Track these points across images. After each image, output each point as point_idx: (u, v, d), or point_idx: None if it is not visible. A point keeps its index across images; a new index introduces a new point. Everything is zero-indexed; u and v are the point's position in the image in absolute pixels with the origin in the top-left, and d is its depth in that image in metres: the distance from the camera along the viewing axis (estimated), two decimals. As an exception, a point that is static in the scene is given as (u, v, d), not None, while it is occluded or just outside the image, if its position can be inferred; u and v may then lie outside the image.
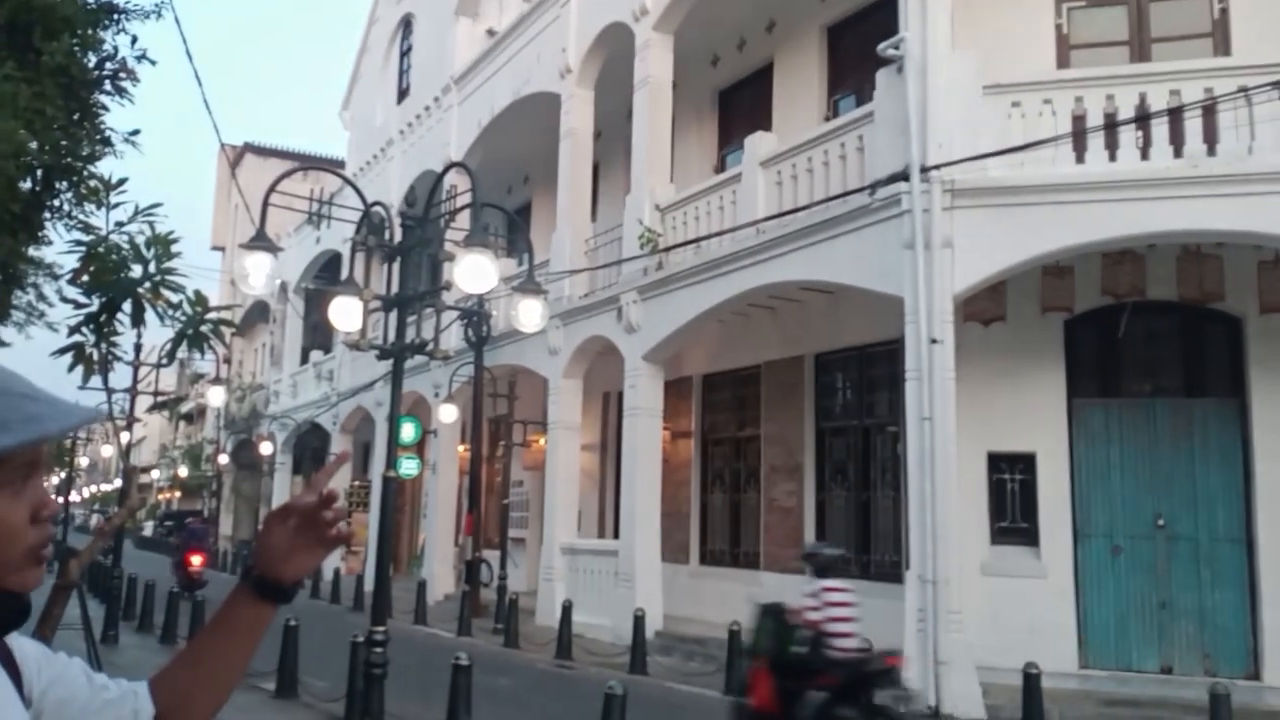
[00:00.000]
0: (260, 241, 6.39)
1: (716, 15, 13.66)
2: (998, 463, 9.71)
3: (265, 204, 6.81)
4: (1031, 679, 7.07)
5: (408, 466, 18.84)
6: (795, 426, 12.56)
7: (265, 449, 27.55)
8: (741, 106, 14.60)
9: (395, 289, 7.25)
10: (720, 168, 14.51)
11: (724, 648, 9.80)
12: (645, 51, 13.42)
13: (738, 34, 14.34)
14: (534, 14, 16.57)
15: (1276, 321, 8.98)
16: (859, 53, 11.24)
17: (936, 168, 8.89)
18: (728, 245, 11.46)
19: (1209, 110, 8.36)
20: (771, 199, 11.08)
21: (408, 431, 18.29)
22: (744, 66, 14.50)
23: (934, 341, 8.70)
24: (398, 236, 7.46)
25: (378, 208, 7.52)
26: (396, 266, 7.32)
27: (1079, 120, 8.70)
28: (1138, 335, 9.53)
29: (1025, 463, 9.64)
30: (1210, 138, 8.36)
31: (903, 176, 9.10)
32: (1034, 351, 9.73)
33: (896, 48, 9.34)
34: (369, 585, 15.16)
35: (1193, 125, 8.39)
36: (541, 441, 16.33)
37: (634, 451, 12.90)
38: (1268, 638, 8.82)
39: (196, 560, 17.72)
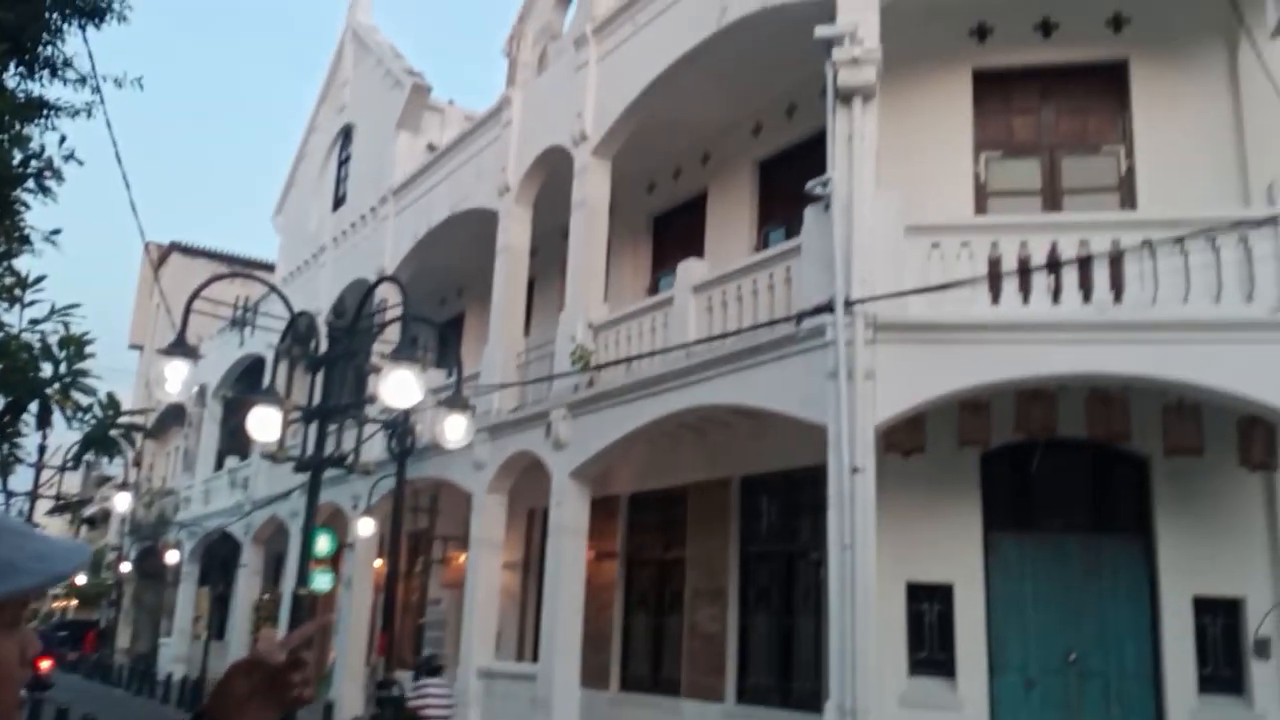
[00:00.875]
0: (180, 347, 6.28)
1: (654, 144, 14.16)
2: (916, 593, 9.78)
3: (188, 310, 6.73)
4: (950, 820, 6.96)
5: (321, 581, 18.14)
6: (720, 550, 12.51)
7: (171, 557, 26.37)
8: (675, 232, 15.01)
9: (318, 399, 7.16)
10: (653, 290, 14.80)
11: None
12: (584, 175, 13.78)
13: (674, 163, 14.86)
14: (475, 133, 16.96)
15: (1180, 463, 9.35)
16: (789, 188, 11.68)
17: (860, 302, 9.18)
18: (658, 366, 11.60)
19: (1115, 260, 8.84)
20: (702, 323, 11.30)
21: (323, 544, 17.71)
22: (679, 194, 14.97)
23: (855, 470, 8.83)
24: (324, 346, 7.41)
25: (304, 316, 7.48)
26: (321, 376, 7.25)
27: (994, 264, 9.12)
28: (1050, 471, 9.81)
29: (943, 594, 9.72)
30: (1117, 286, 8.82)
31: (828, 309, 9.37)
32: (952, 483, 9.93)
33: (824, 186, 9.73)
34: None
35: (1101, 274, 8.85)
36: (462, 558, 15.96)
37: (557, 571, 12.67)
38: (1179, 777, 8.87)
39: (45, 664, 18.83)
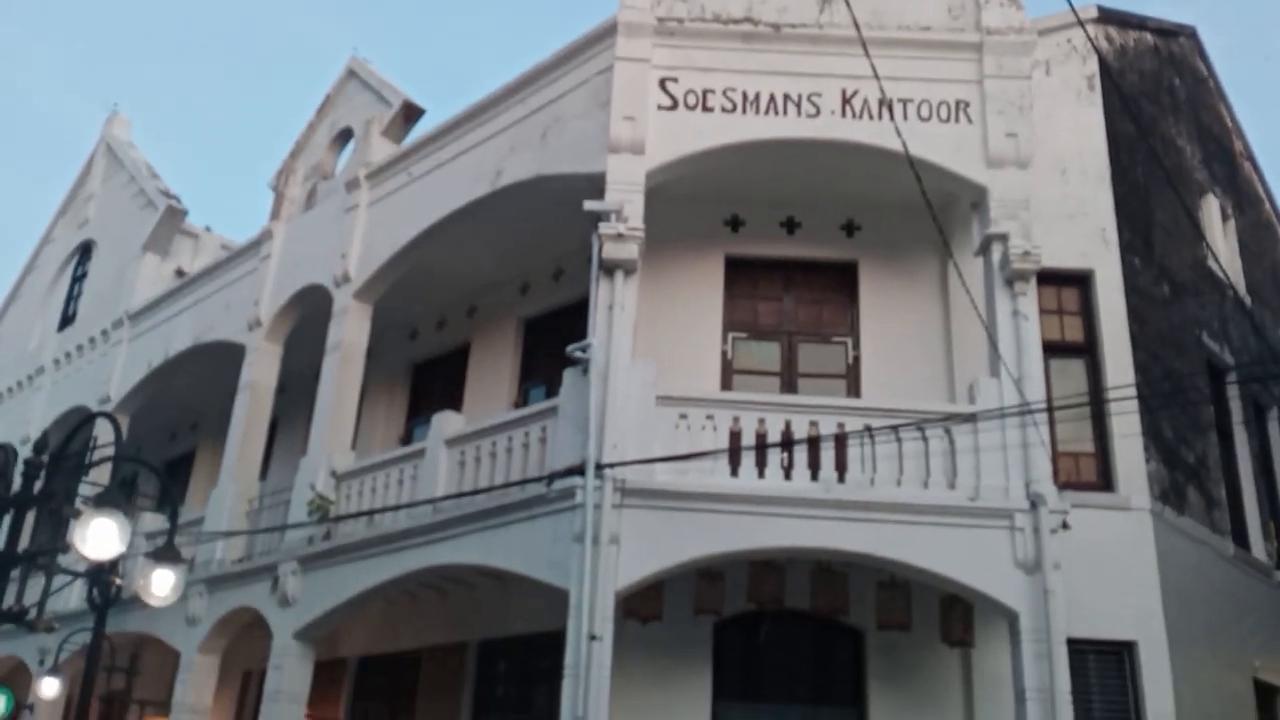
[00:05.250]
0: None
1: (419, 293, 14.09)
2: (646, 768, 9.61)
3: None
4: None
5: (-17, 749, 15.57)
6: (450, 720, 11.83)
7: None
8: (435, 382, 14.80)
9: (3, 543, 6.29)
10: (407, 438, 14.39)
11: None
12: (342, 317, 13.39)
13: (439, 313, 14.81)
14: (231, 263, 16.22)
15: (891, 637, 9.90)
16: (552, 347, 11.90)
17: (610, 466, 9.32)
18: (403, 520, 11.13)
19: (840, 442, 9.51)
20: (453, 478, 11.02)
21: (-7, 705, 15.30)
22: (441, 344, 14.86)
23: (594, 638, 8.72)
24: (17, 484, 6.58)
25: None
26: (10, 518, 6.40)
27: (735, 437, 9.58)
28: (777, 642, 10.11)
29: (672, 769, 9.62)
30: (841, 466, 9.45)
31: (579, 471, 9.43)
32: (686, 652, 9.99)
33: (584, 351, 9.97)
34: None
35: (827, 454, 9.47)
36: (160, 726, 14.19)
37: (268, 742, 11.50)
38: None
39: None
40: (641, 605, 9.69)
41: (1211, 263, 13.66)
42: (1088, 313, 11.32)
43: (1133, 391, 10.49)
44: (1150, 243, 12.40)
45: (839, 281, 11.83)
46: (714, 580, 9.79)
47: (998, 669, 9.45)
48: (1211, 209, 14.44)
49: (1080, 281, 11.38)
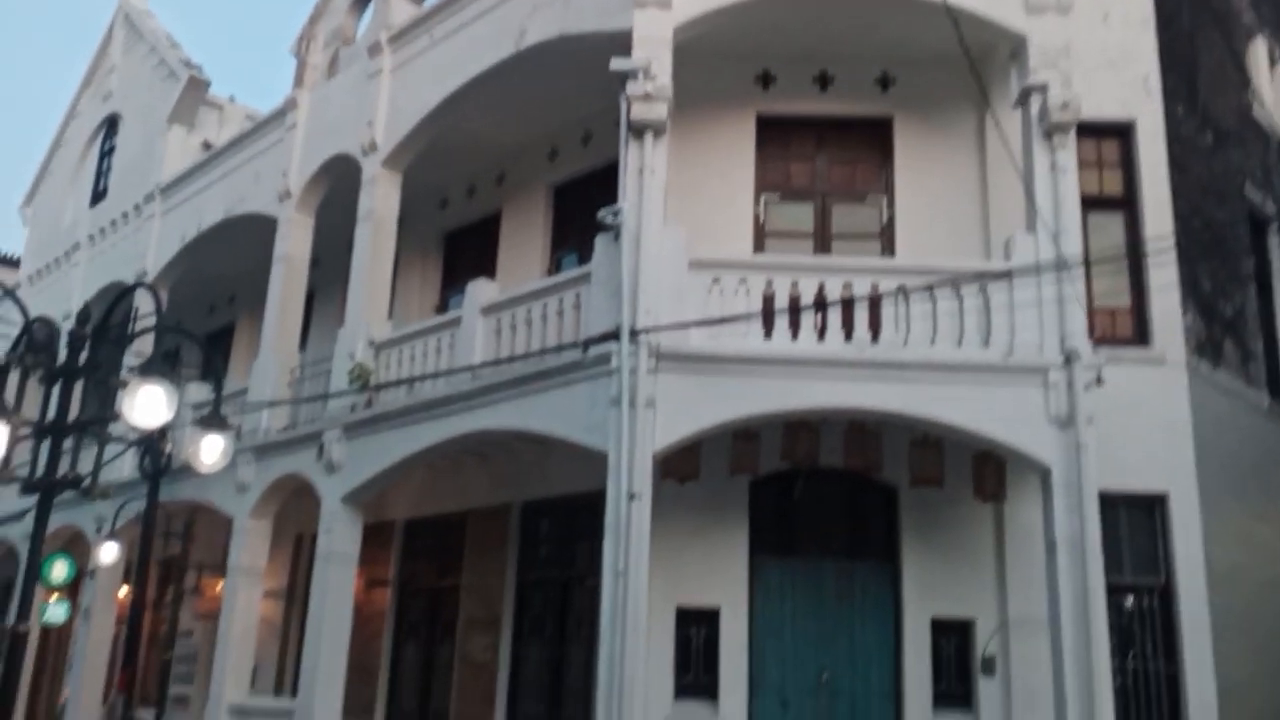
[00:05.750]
0: (-113, 347, 5.55)
1: (448, 160, 13.94)
2: (685, 617, 10.03)
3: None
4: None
5: (54, 612, 16.46)
6: (496, 578, 12.33)
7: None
8: (467, 251, 14.80)
9: (55, 414, 6.50)
10: (442, 308, 14.51)
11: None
12: (372, 186, 13.35)
13: (468, 181, 14.68)
14: (257, 133, 16.09)
15: (924, 493, 10.10)
16: (583, 214, 11.80)
17: (644, 331, 9.39)
18: (442, 388, 11.35)
19: (874, 303, 9.49)
20: (490, 346, 11.17)
21: (59, 571, 16.05)
22: (472, 213, 14.79)
23: (632, 497, 8.98)
24: (63, 355, 6.75)
25: (40, 322, 6.79)
26: (59, 389, 6.58)
27: (768, 301, 9.57)
28: (811, 499, 10.36)
29: (710, 618, 10.02)
30: (875, 327, 9.46)
31: (614, 337, 9.52)
32: (722, 510, 10.28)
33: (615, 216, 9.91)
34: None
35: (861, 315, 9.47)
36: (218, 587, 14.92)
37: (323, 600, 12.07)
38: (913, 790, 9.53)
39: None
40: (678, 465, 9.91)
41: (1257, 110, 13.16)
42: (1128, 164, 10.99)
43: (1171, 243, 10.30)
44: (1194, 90, 11.93)
45: (873, 139, 11.54)
46: (749, 440, 9.97)
47: (1029, 522, 9.66)
48: (1259, 53, 13.79)
49: (1121, 132, 11.02)
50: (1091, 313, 9.92)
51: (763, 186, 11.45)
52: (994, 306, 9.36)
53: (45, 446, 6.37)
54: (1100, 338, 10.01)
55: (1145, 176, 10.81)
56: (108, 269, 18.94)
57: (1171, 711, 9.71)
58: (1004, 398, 9.07)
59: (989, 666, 9.80)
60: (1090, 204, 10.48)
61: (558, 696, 11.36)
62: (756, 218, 11.38)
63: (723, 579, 10.09)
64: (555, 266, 13.19)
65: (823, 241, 11.30)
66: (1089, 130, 10.39)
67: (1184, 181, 11.11)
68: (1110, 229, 10.83)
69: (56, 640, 19.95)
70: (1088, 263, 9.62)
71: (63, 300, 19.23)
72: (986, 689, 9.79)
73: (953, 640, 10.00)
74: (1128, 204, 10.91)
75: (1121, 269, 10.59)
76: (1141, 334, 10.59)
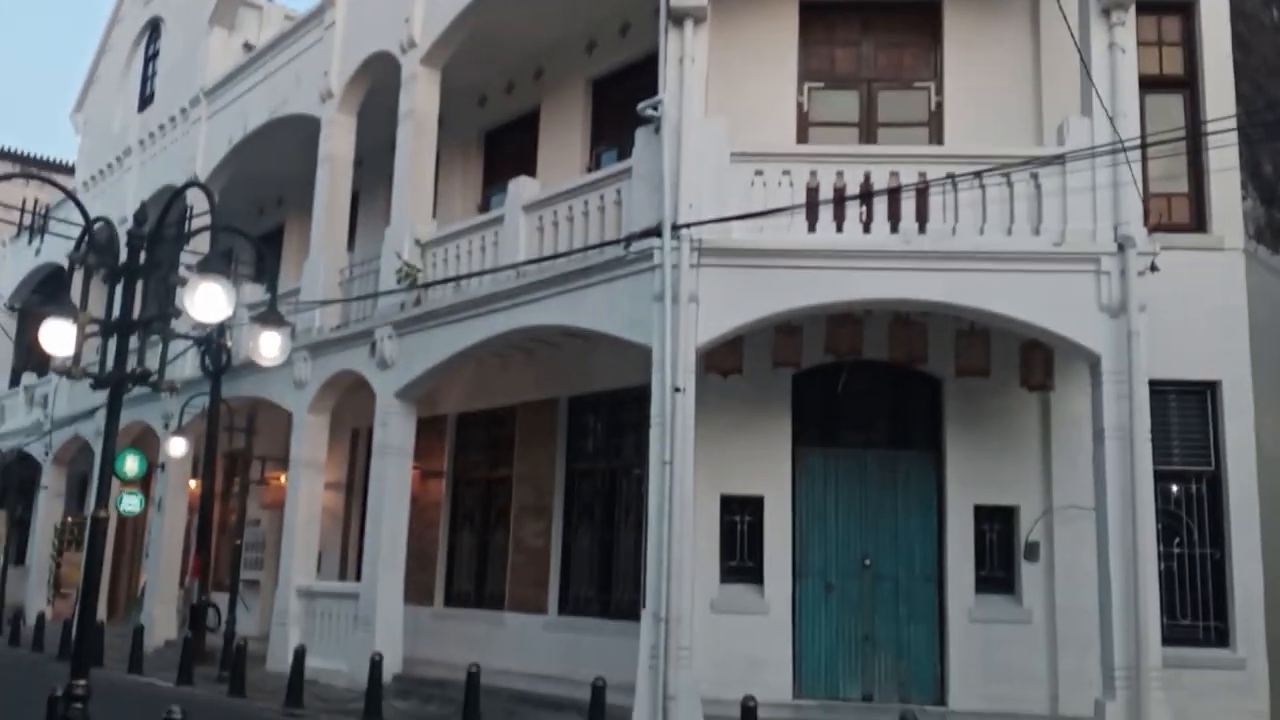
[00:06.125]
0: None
1: (486, 57, 13.79)
2: (730, 505, 10.29)
3: (-34, 211, 6.13)
4: (748, 711, 7.45)
5: (129, 503, 17.34)
6: (546, 468, 12.69)
7: (-39, 480, 24.44)
8: (507, 149, 14.75)
9: (119, 312, 6.73)
10: (484, 207, 14.57)
11: (463, 690, 9.66)
12: (411, 84, 13.30)
13: (506, 77, 14.52)
14: (296, 33, 16.02)
15: (969, 384, 10.11)
16: (622, 108, 11.65)
17: (687, 226, 9.37)
18: (488, 285, 11.50)
19: (922, 192, 9.34)
20: (532, 243, 11.24)
21: (131, 465, 16.88)
22: (511, 110, 14.68)
23: (677, 390, 9.12)
24: (123, 256, 6.95)
25: (101, 223, 6.98)
26: (122, 288, 6.81)
27: (812, 192, 9.46)
28: (854, 391, 10.41)
29: (754, 505, 10.27)
30: (922, 217, 9.32)
31: (656, 232, 9.52)
32: (766, 402, 10.40)
33: (655, 108, 9.80)
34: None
35: (908, 205, 9.33)
36: (282, 479, 15.54)
37: (381, 491, 12.55)
38: (952, 667, 9.83)
39: None
40: (722, 359, 10.01)
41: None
42: (1189, 43, 10.55)
43: (1233, 125, 9.93)
44: (1266, -40, 11.31)
45: (921, 22, 11.15)
46: (792, 334, 10.00)
47: (1077, 411, 9.65)
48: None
49: (1182, 9, 10.54)
50: (1147, 198, 9.65)
51: (806, 74, 11.17)
52: (1046, 193, 9.17)
53: (112, 344, 6.63)
54: (1156, 225, 9.78)
55: (1207, 55, 10.38)
56: (159, 173, 19.21)
57: (1217, 596, 9.82)
58: (1055, 286, 8.95)
59: (1032, 552, 9.94)
60: (1148, 85, 10.11)
61: (607, 580, 11.79)
62: (800, 107, 11.16)
63: (767, 469, 10.28)
64: (595, 162, 13.11)
65: (868, 130, 11.06)
66: (1148, 7, 9.99)
67: (1247, 61, 10.64)
68: (1169, 111, 10.45)
69: (133, 530, 21.04)
70: (1144, 146, 9.33)
71: (117, 205, 19.55)
72: (1029, 574, 9.96)
73: (996, 526, 10.14)
74: (1188, 84, 10.51)
75: (1179, 152, 10.25)
76: (1199, 220, 10.34)
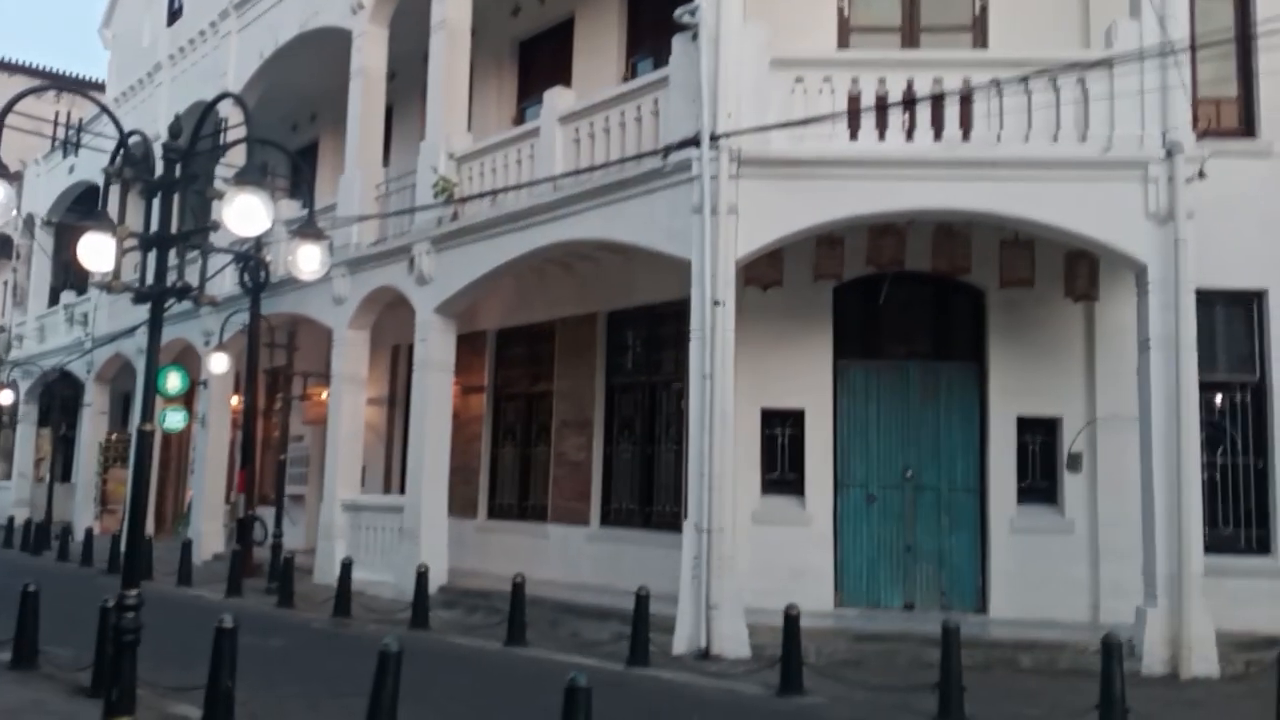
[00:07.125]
0: (-11, 167, 5.77)
1: (519, -38, 13.47)
2: (770, 418, 10.36)
3: (-2, 125, 6.11)
4: (791, 620, 7.60)
5: (173, 419, 17.70)
6: (587, 382, 12.78)
7: (5, 398, 25.03)
8: (542, 60, 14.50)
9: (157, 226, 6.74)
10: (519, 120, 14.39)
11: (507, 600, 9.91)
12: (443, -6, 13.04)
13: (540, -16, 14.20)
14: (324, -57, 15.67)
15: (1013, 294, 10.01)
16: (657, 16, 11.38)
17: (725, 136, 9.22)
18: (525, 199, 11.43)
19: (966, 99, 9.11)
20: (569, 156, 11.12)
21: (174, 382, 17.16)
22: (545, 19, 14.39)
23: (717, 303, 9.10)
24: (159, 170, 6.93)
25: (136, 137, 6.96)
26: (159, 202, 6.81)
27: (854, 100, 9.26)
28: (896, 303, 10.36)
29: (795, 418, 10.33)
30: (966, 124, 9.11)
31: (694, 143, 9.39)
32: (806, 315, 10.36)
33: (692, 15, 9.55)
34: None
35: (952, 112, 9.12)
36: (324, 395, 15.78)
37: (423, 406, 12.72)
38: (994, 576, 9.95)
39: None
40: (762, 272, 9.95)
41: None
42: (1245, -60, 10.08)
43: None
44: None
45: (970, -81, 10.72)
46: (833, 245, 9.91)
47: (1121, 320, 9.55)
48: None
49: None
50: (1195, 103, 9.37)
51: (849, -23, 10.83)
52: (1092, 98, 8.91)
53: (151, 259, 6.64)
54: (1204, 130, 9.49)
55: (1262, -48, 9.93)
56: (190, 88, 19.09)
57: (1259, 505, 9.82)
58: (1101, 194, 8.77)
59: (1075, 463, 9.96)
60: (1202, -17, 9.72)
61: (648, 492, 11.96)
62: (840, 12, 10.86)
63: (807, 381, 10.30)
64: (632, 72, 12.86)
65: (911, 35, 10.76)
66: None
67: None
68: (1218, 12, 10.09)
69: (178, 448, 21.53)
70: (1194, 49, 9.01)
71: (150, 121, 19.50)
72: (1072, 485, 9.99)
73: (1038, 437, 10.15)
74: (1244, -19, 10.08)
75: (1229, 55, 9.93)
76: (1248, 125, 10.06)
